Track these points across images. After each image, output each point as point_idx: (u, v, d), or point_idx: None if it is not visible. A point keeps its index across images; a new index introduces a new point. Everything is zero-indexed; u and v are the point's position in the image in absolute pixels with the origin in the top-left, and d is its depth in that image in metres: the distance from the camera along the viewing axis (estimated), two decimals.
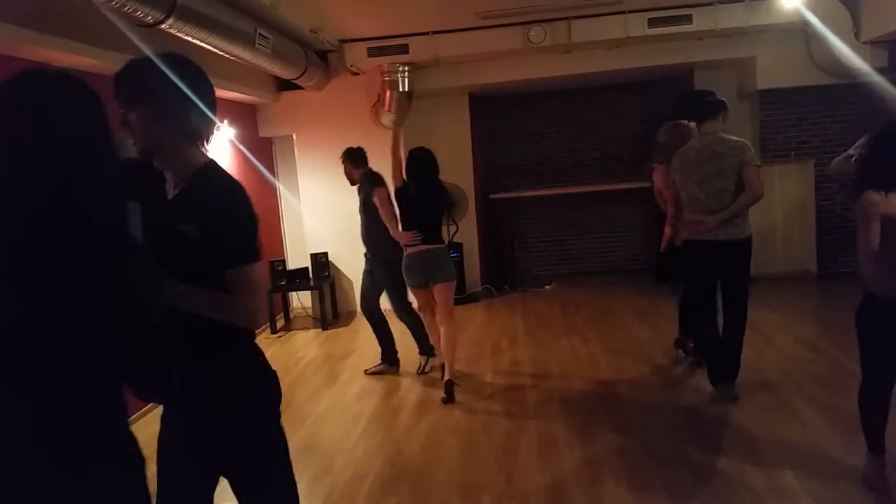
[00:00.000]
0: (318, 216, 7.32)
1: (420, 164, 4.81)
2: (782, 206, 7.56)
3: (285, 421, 1.95)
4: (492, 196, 8.30)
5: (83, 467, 1.39)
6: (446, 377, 4.72)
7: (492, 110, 8.47)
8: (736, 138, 4.24)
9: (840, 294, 5.08)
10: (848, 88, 6.99)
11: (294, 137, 7.47)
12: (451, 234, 7.73)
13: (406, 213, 4.84)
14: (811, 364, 4.86)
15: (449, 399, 4.63)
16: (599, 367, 5.14)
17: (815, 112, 7.35)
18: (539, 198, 8.42)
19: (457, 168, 7.63)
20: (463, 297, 7.49)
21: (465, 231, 7.95)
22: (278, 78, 6.74)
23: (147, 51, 1.88)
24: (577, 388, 4.76)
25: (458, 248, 7.73)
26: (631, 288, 7.52)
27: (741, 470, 3.41)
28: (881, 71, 6.46)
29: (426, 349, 5.33)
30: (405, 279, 4.90)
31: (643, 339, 5.71)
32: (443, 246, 4.88)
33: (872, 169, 2.91)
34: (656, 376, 4.85)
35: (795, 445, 3.63)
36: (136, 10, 3.67)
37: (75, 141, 1.36)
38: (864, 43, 6.53)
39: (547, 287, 8.03)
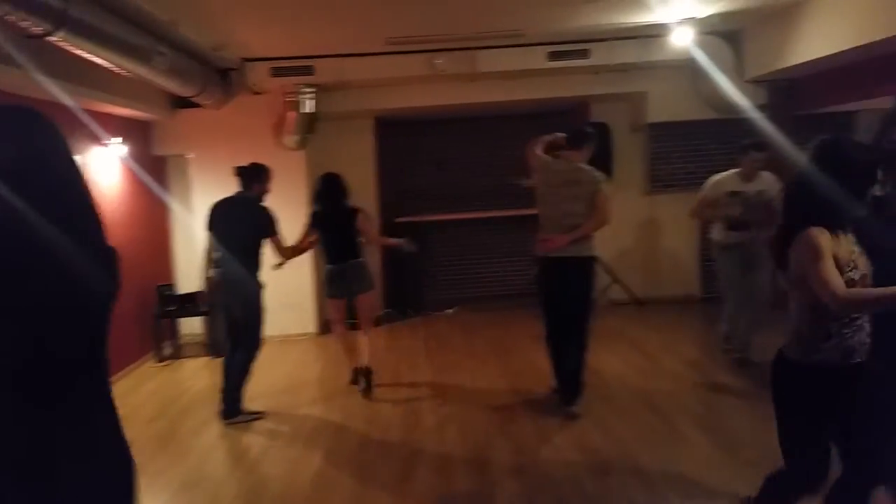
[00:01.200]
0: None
1: (327, 186, 5.20)
2: (669, 232, 7.95)
3: (169, 454, 1.85)
4: (396, 220, 8.31)
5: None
6: (364, 365, 5.21)
7: (397, 135, 8.51)
8: (591, 168, 4.57)
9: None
10: (732, 123, 7.45)
11: (190, 156, 7.23)
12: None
13: (321, 234, 5.18)
14: (695, 384, 5.10)
15: (367, 389, 5.15)
16: (497, 391, 5.20)
17: (702, 145, 7.81)
18: (443, 222, 8.50)
19: (361, 191, 7.61)
20: None
21: (369, 255, 7.90)
22: (174, 94, 6.53)
23: (30, 64, 1.78)
24: (474, 411, 4.79)
25: None
26: (531, 312, 7.66)
27: (627, 489, 3.52)
28: (762, 108, 6.94)
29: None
30: (326, 290, 5.29)
31: (540, 362, 5.80)
32: (361, 260, 5.30)
33: (811, 202, 2.31)
34: (551, 399, 4.94)
35: (679, 465, 3.79)
36: (21, 20, 3.46)
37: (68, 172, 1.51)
38: (747, 81, 7.01)
39: (449, 311, 8.09)
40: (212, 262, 4.85)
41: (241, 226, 4.75)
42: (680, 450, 3.98)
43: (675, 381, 5.17)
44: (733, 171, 5.27)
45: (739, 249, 5.19)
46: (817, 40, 5.72)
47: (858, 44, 5.21)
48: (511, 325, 7.22)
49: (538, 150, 4.66)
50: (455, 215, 8.45)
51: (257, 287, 4.81)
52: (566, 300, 4.53)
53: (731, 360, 5.33)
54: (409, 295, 8.32)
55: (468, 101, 7.38)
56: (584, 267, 4.53)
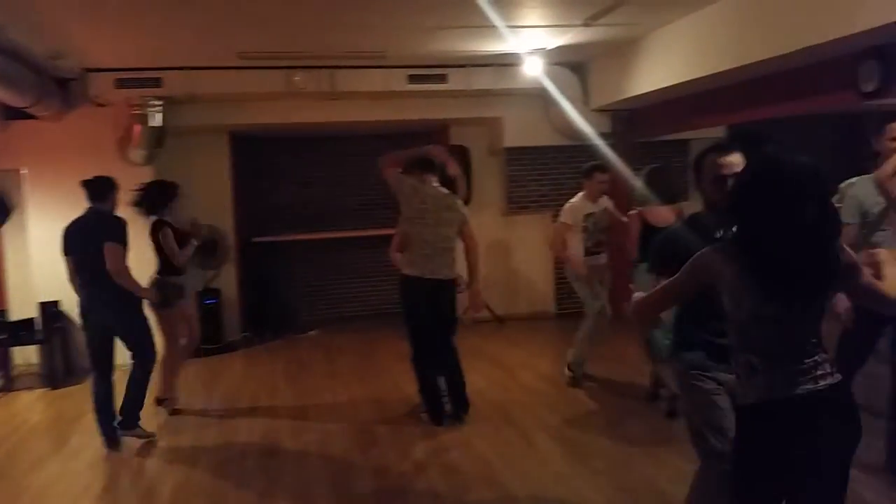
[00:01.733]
0: (51, 260, 6.47)
1: None
2: (525, 252, 8.28)
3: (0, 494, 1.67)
4: (255, 240, 8.06)
5: None
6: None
7: (256, 152, 8.27)
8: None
9: (574, 330, 5.67)
10: (580, 149, 7.90)
11: (23, 171, 6.63)
12: (208, 278, 7.40)
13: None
14: (550, 397, 5.32)
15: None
16: (360, 414, 5.15)
17: (553, 169, 8.22)
18: (304, 242, 8.35)
19: (216, 210, 7.33)
20: (219, 346, 7.13)
21: (225, 276, 7.62)
22: (5, 104, 5.97)
23: None
24: (336, 436, 4.71)
25: (215, 294, 7.37)
26: (394, 332, 7.67)
27: (483, 500, 3.59)
28: (606, 135, 7.42)
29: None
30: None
31: (403, 382, 5.83)
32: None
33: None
34: (414, 418, 4.96)
35: (533, 474, 3.93)
36: None
37: None
38: (593, 110, 7.47)
39: (310, 333, 7.93)
40: (76, 286, 4.55)
41: (99, 242, 4.39)
42: (535, 462, 4.12)
43: (532, 395, 5.37)
44: (580, 195, 5.50)
45: (598, 270, 5.47)
46: (652, 74, 6.23)
47: (686, 79, 5.73)
48: (374, 345, 7.19)
49: (398, 170, 4.70)
50: (317, 235, 8.33)
51: (133, 301, 4.54)
52: (437, 320, 4.70)
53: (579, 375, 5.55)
54: (269, 317, 8.07)
55: (329, 119, 7.33)
56: (453, 289, 4.79)
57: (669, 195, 4.66)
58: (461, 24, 5.30)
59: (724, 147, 2.50)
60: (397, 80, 6.83)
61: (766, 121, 6.49)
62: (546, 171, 8.24)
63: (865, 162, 4.59)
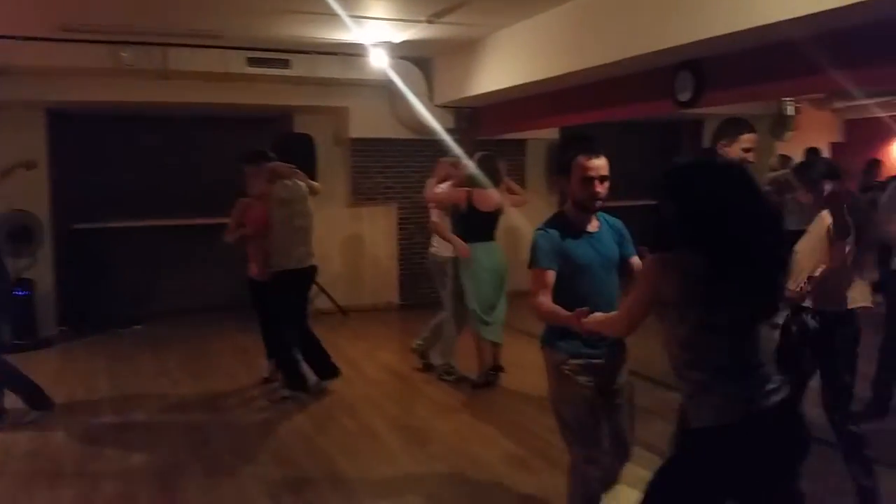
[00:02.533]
0: None
1: None
2: (370, 244, 8.29)
3: None
4: (75, 226, 7.40)
5: None
6: None
7: (80, 132, 7.54)
8: None
9: (418, 321, 5.76)
10: (425, 143, 8.02)
11: None
12: (19, 268, 6.70)
13: None
14: (391, 387, 5.38)
15: None
16: (191, 411, 4.90)
17: (399, 162, 8.27)
18: (132, 229, 7.77)
19: (28, 193, 6.65)
20: (32, 342, 6.49)
21: (40, 266, 6.94)
22: None
23: None
24: (164, 435, 4.45)
25: (28, 284, 6.70)
26: (231, 325, 7.38)
27: (324, 497, 3.56)
28: (450, 131, 7.58)
29: None
30: None
31: (240, 375, 5.64)
32: None
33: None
34: (250, 413, 4.81)
35: (373, 464, 3.95)
36: None
37: None
38: (437, 105, 7.61)
39: (136, 327, 7.41)
40: None
41: None
42: (375, 452, 4.15)
43: (375, 386, 5.39)
44: (446, 184, 5.41)
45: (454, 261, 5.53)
46: (493, 75, 6.45)
47: (524, 81, 6.00)
48: (208, 339, 6.87)
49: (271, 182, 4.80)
50: (147, 222, 7.78)
51: None
52: (300, 308, 5.06)
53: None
54: (90, 311, 7.44)
55: (161, 100, 6.88)
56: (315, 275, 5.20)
57: (496, 180, 5.15)
58: (303, 9, 5.18)
59: (592, 149, 2.61)
60: (236, 63, 6.56)
61: (598, 124, 6.97)
62: (392, 164, 8.28)
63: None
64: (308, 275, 5.08)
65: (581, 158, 2.60)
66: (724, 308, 1.87)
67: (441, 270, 5.39)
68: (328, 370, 5.16)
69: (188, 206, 7.98)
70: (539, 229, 2.70)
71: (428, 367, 5.58)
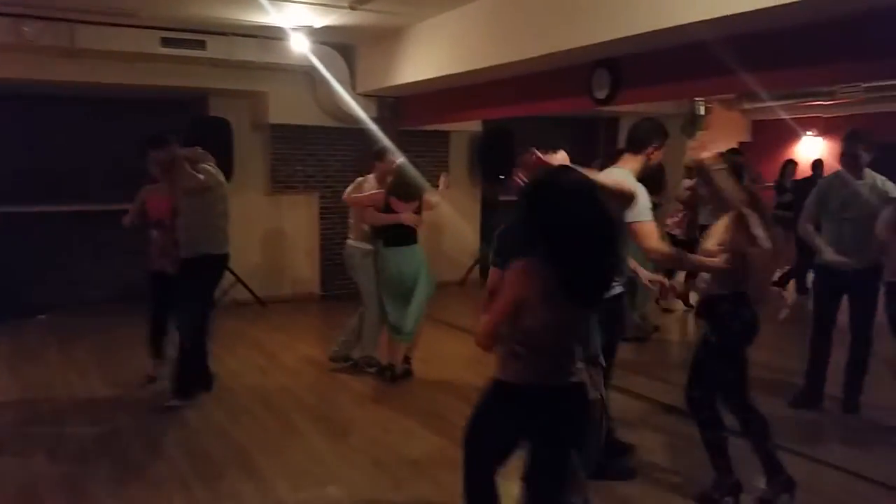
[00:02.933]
0: None
1: None
2: (290, 234, 8.14)
3: None
4: None
5: None
6: None
7: None
8: None
9: (339, 312, 5.70)
10: (346, 132, 7.93)
11: None
12: None
13: None
14: (311, 379, 5.31)
15: None
16: (100, 406, 4.70)
17: (320, 150, 8.15)
18: (34, 214, 7.34)
19: None
20: None
21: None
22: None
23: None
24: (71, 431, 4.25)
25: None
26: (142, 316, 7.09)
27: (238, 488, 3.49)
28: (373, 121, 7.51)
29: None
30: None
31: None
32: None
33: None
34: (162, 407, 4.65)
35: (292, 458, 3.89)
36: None
37: None
38: (359, 94, 7.52)
39: (40, 317, 7.03)
40: None
41: None
42: (293, 444, 4.09)
43: (293, 378, 5.31)
44: (370, 176, 5.33)
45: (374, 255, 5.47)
46: (416, 65, 6.45)
47: (446, 73, 6.02)
48: (118, 329, 6.56)
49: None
50: (51, 207, 7.36)
51: None
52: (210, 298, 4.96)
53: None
54: None
55: (67, 78, 6.53)
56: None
57: (412, 192, 5.13)
58: None
59: (549, 145, 2.66)
60: (149, 42, 6.29)
61: (520, 119, 7.06)
62: (313, 152, 8.14)
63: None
64: (225, 261, 4.90)
65: (529, 154, 2.66)
66: (559, 303, 2.17)
67: (359, 264, 5.32)
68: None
69: (98, 191, 7.61)
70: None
71: (353, 365, 5.50)
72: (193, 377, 4.73)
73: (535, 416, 2.27)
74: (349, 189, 5.33)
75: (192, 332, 4.70)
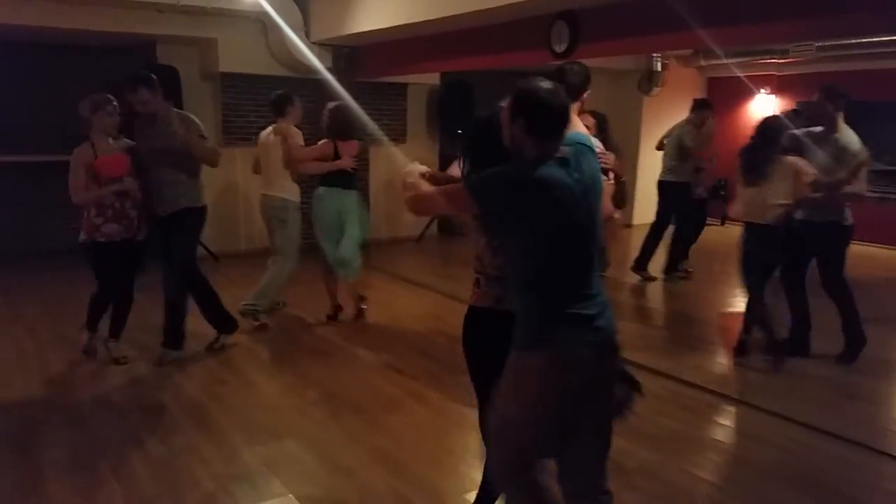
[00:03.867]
0: None
1: None
2: (243, 187, 7.95)
3: None
4: None
5: None
6: None
7: None
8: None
9: (303, 267, 5.61)
10: (301, 82, 7.72)
11: None
12: None
13: None
14: (266, 334, 5.26)
15: None
16: (48, 360, 4.59)
17: None
18: None
19: None
20: None
21: None
22: None
23: None
24: (18, 386, 4.15)
25: None
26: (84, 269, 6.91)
27: (194, 443, 3.47)
28: (329, 70, 7.33)
29: None
30: None
31: (104, 321, 5.31)
32: None
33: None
34: (111, 363, 4.56)
35: (246, 411, 3.89)
36: None
37: None
38: (314, 43, 7.31)
39: None
40: None
41: None
42: (249, 399, 4.08)
43: (247, 333, 5.23)
44: (285, 125, 5.23)
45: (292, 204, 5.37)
46: (372, 14, 6.28)
47: (402, 22, 5.88)
48: (72, 284, 6.35)
49: None
50: None
51: None
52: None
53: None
54: None
55: (3, 21, 6.17)
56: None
57: (349, 132, 5.24)
58: None
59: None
60: None
61: (479, 72, 6.97)
62: (266, 102, 7.87)
63: None
64: (205, 213, 4.63)
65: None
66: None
67: (292, 217, 5.30)
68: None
69: (44, 140, 7.25)
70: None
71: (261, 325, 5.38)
72: (182, 328, 4.65)
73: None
74: (271, 140, 5.24)
75: (181, 286, 4.54)
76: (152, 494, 3.02)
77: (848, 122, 4.42)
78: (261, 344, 5.03)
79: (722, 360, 4.87)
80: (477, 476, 2.81)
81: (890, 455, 3.47)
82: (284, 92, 5.37)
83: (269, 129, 5.33)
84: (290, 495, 3.01)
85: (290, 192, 5.27)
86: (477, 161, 2.23)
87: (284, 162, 5.20)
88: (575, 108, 3.37)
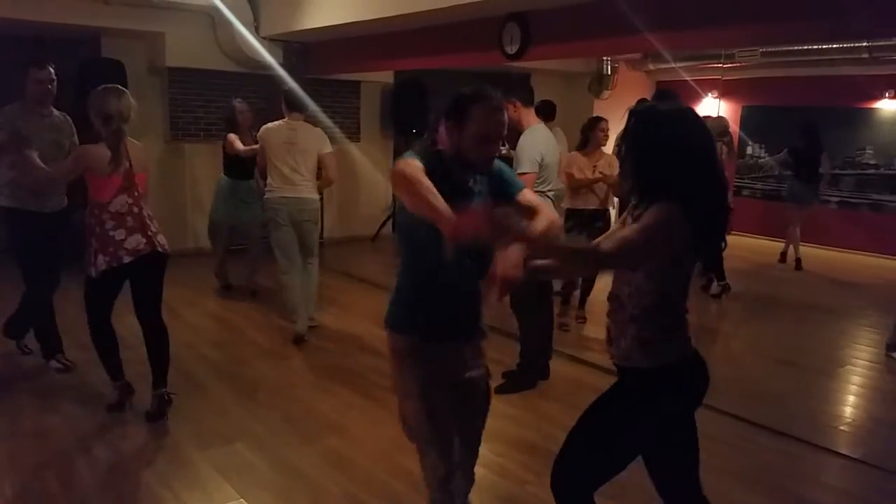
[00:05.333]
0: None
1: None
2: (191, 184, 7.79)
3: None
4: None
5: None
6: None
7: None
8: None
9: (244, 266, 5.57)
10: (251, 77, 7.59)
11: None
12: None
13: None
14: (215, 335, 5.18)
15: None
16: None
17: (222, 96, 7.71)
18: None
19: None
20: None
21: None
22: None
23: None
24: None
25: None
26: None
27: (143, 447, 3.40)
28: (281, 66, 7.22)
29: None
30: None
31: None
32: None
33: None
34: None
35: (197, 414, 3.82)
36: None
37: None
38: (264, 38, 7.19)
39: None
40: None
41: None
42: (199, 401, 4.00)
43: (197, 334, 5.16)
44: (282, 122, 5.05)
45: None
46: (323, 10, 6.21)
47: (353, 20, 5.83)
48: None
49: None
50: None
51: None
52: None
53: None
54: None
55: None
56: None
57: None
58: None
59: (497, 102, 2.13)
60: None
61: (432, 71, 6.97)
62: (215, 98, 7.74)
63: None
64: None
65: (481, 112, 2.09)
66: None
67: (314, 217, 5.19)
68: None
69: None
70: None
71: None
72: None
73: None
74: (301, 138, 5.03)
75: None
76: (100, 502, 2.94)
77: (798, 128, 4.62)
78: (211, 346, 4.94)
79: None
80: None
81: (828, 449, 3.62)
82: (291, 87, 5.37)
83: (277, 124, 5.02)
84: (242, 500, 2.97)
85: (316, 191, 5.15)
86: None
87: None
88: None
